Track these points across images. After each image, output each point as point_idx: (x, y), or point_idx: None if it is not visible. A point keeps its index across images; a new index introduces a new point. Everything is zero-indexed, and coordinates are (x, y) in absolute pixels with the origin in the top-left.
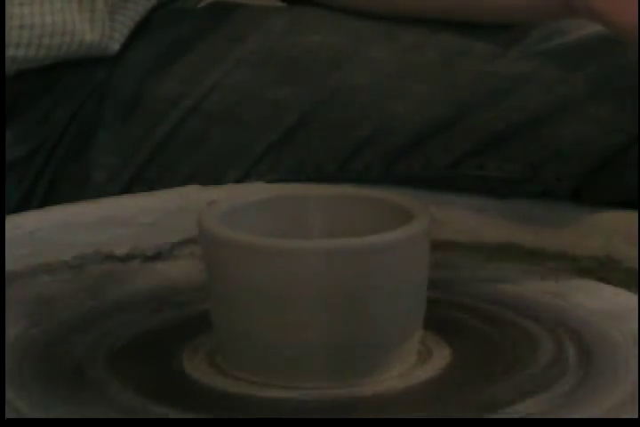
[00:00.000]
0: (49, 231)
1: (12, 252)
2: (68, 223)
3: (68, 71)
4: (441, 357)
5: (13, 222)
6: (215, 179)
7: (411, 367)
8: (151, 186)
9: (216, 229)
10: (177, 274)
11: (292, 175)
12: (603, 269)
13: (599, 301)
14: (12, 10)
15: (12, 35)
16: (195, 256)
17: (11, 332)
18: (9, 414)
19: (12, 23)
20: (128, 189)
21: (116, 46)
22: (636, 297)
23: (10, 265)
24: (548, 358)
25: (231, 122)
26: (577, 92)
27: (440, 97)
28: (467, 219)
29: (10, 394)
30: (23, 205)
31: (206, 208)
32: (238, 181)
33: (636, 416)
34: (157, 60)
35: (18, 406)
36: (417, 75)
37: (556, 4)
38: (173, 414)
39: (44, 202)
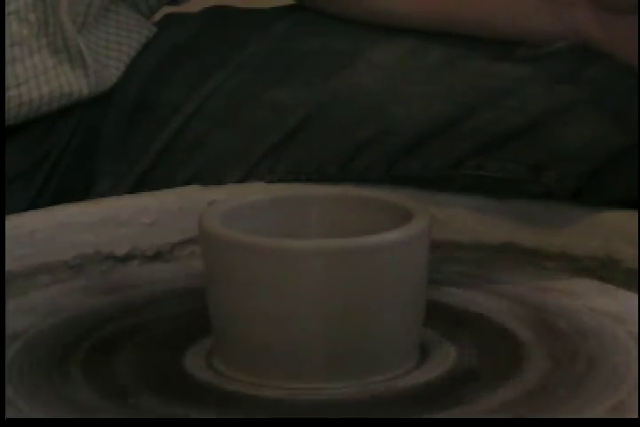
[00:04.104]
0: (49, 231)
1: (12, 252)
2: (68, 223)
3: None
4: (442, 356)
5: (13, 222)
6: (216, 181)
7: (412, 367)
8: (153, 190)
9: (216, 229)
10: (177, 274)
11: (292, 176)
12: (603, 269)
13: (599, 301)
14: (8, 93)
15: (10, 111)
16: (195, 256)
17: (11, 332)
18: (9, 414)
19: (10, 104)
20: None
21: (113, 80)
22: (636, 297)
23: (10, 265)
24: (548, 358)
25: (232, 124)
26: (578, 93)
27: (441, 98)
28: (467, 219)
29: (10, 393)
30: None
31: (206, 208)
32: (239, 182)
33: (636, 416)
34: (159, 65)
35: (18, 405)
36: (418, 76)
37: (566, 31)
38: (173, 414)
39: None
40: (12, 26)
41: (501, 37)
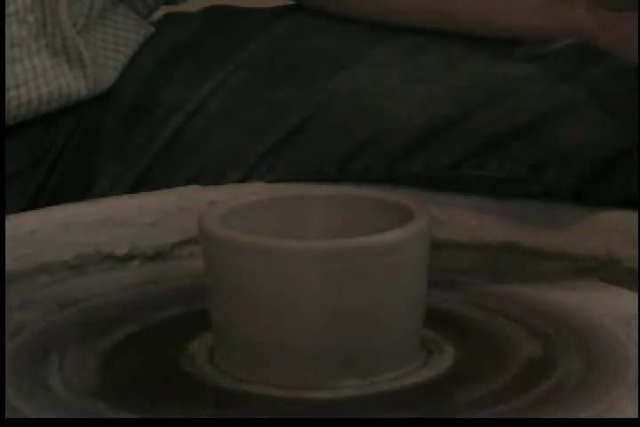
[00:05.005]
0: (49, 231)
1: (12, 252)
2: (68, 223)
3: None
4: (442, 357)
5: (13, 222)
6: (216, 181)
7: (411, 367)
8: (153, 190)
9: (216, 229)
10: (177, 274)
11: (292, 176)
12: (603, 269)
13: (599, 301)
14: (8, 94)
15: (10, 111)
16: (195, 256)
17: (11, 331)
18: (9, 414)
19: (9, 105)
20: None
21: (111, 81)
22: (635, 297)
23: (10, 265)
24: (547, 358)
25: (232, 124)
26: (578, 93)
27: (441, 98)
28: (467, 219)
29: (9, 393)
30: None
31: (206, 208)
32: (239, 182)
33: (636, 416)
34: (158, 65)
35: (17, 405)
36: (418, 76)
37: (565, 29)
38: (172, 413)
39: None
40: (11, 27)
41: (501, 36)
